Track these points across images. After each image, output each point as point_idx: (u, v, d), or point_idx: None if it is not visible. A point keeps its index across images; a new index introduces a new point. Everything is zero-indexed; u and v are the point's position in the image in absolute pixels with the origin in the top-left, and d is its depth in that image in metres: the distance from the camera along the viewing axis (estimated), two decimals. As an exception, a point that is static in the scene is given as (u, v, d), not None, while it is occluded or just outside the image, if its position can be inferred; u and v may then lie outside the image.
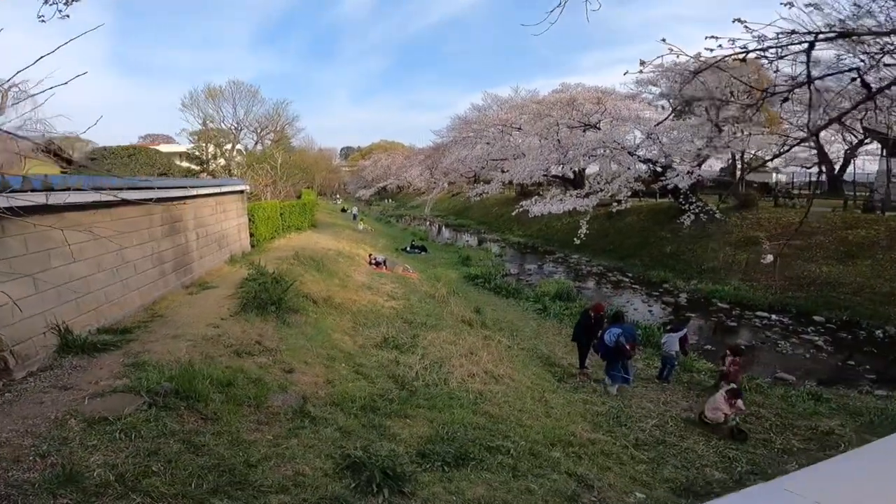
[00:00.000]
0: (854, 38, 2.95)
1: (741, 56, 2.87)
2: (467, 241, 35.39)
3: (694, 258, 19.80)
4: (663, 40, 3.16)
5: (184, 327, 7.04)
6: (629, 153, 21.42)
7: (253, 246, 15.04)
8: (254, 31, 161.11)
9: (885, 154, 22.42)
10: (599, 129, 23.38)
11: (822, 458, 6.52)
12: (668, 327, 10.64)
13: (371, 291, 13.26)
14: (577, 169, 31.05)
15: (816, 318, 14.05)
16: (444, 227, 44.69)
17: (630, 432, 7.09)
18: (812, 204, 14.30)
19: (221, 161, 30.24)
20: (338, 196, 70.18)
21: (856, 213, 18.77)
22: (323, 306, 10.16)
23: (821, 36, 2.64)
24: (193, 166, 26.77)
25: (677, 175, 19.35)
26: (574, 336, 9.87)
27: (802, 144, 31.37)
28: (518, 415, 6.89)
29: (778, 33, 2.70)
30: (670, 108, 23.44)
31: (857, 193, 23.59)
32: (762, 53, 2.91)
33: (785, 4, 2.70)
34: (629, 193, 20.99)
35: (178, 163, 28.44)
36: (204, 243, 10.76)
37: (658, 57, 3.15)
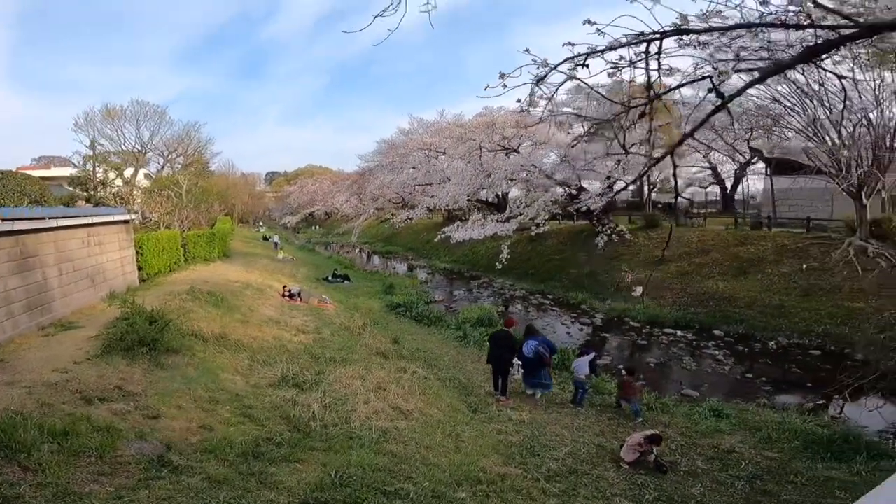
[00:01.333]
0: (705, 43, 2.87)
1: (580, 62, 2.67)
2: (395, 268, 34.86)
3: (609, 278, 20.55)
4: (526, 50, 2.92)
5: (24, 373, 6.35)
6: (546, 176, 22.12)
7: (143, 280, 13.59)
8: (176, 49, 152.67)
9: (769, 173, 24.81)
10: (519, 152, 24.00)
11: (723, 480, 6.66)
12: (578, 352, 10.71)
13: (278, 326, 12.40)
14: (499, 193, 31.75)
15: (716, 332, 14.83)
16: (372, 255, 43.89)
17: (543, 462, 6.87)
18: (689, 225, 15.24)
19: (116, 187, 27.65)
20: (261, 223, 67.15)
21: (745, 230, 20.44)
22: (214, 345, 9.32)
23: (660, 36, 2.49)
24: (80, 192, 24.24)
25: (590, 197, 20.16)
26: (489, 358, 9.77)
27: (698, 164, 34.49)
28: (425, 452, 6.52)
29: (627, 35, 2.54)
30: (583, 130, 24.58)
31: (747, 211, 25.79)
32: (615, 62, 2.75)
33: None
34: (547, 217, 21.55)
35: (68, 188, 25.66)
36: (70, 279, 9.44)
37: (517, 69, 2.89)
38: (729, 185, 34.37)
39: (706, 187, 37.00)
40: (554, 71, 2.79)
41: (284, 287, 17.32)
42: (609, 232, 20.44)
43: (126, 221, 12.84)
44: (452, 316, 17.63)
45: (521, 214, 21.47)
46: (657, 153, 25.28)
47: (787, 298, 14.99)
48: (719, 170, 34.20)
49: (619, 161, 21.72)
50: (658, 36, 2.55)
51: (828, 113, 16.81)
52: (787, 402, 10.08)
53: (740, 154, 29.02)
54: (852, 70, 15.70)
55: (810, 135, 17.35)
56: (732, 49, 3.16)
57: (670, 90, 3.22)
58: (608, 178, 22.93)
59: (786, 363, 12.37)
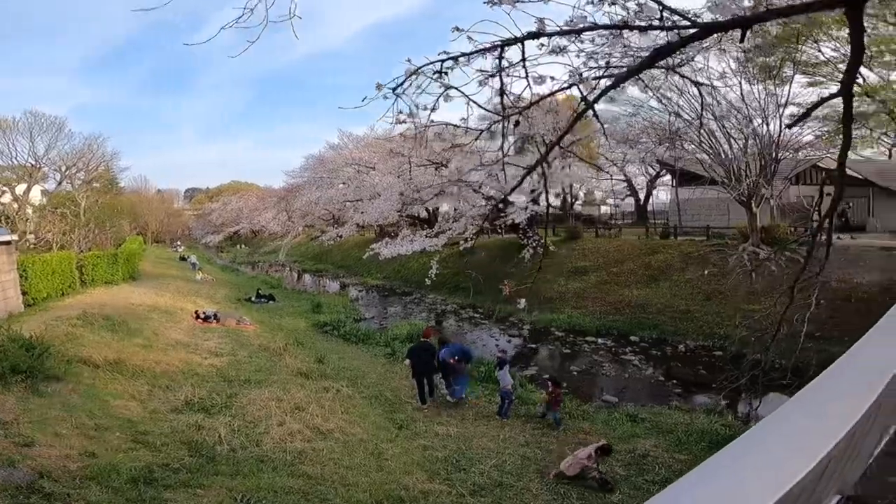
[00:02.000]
0: (579, 51, 2.98)
1: (439, 69, 2.68)
2: (326, 286, 33.92)
3: (535, 290, 21.13)
4: (408, 60, 2.87)
5: None
6: (474, 190, 22.53)
7: (29, 305, 12.15)
8: (88, 58, 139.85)
9: (674, 184, 26.92)
10: (447, 166, 24.31)
11: (640, 485, 6.84)
12: (496, 363, 10.91)
13: (187, 349, 11.59)
14: (430, 208, 31.94)
15: (633, 338, 15.65)
16: (303, 273, 42.40)
17: (468, 477, 6.86)
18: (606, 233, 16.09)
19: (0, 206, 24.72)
20: (179, 243, 62.86)
21: (655, 239, 21.93)
22: (107, 371, 8.65)
23: (516, 41, 2.55)
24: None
25: (515, 210, 20.76)
26: (414, 372, 9.94)
27: (615, 178, 36.74)
28: (344, 472, 6.36)
29: (496, 42, 2.56)
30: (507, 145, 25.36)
31: (657, 221, 27.67)
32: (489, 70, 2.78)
33: (487, 3, 2.55)
34: (475, 231, 21.89)
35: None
36: (-67, 306, 8.19)
37: (392, 79, 2.84)
38: (642, 196, 36.97)
39: (622, 199, 39.60)
40: (424, 78, 2.75)
41: (197, 310, 16.24)
42: (534, 245, 21.12)
43: (7, 243, 11.46)
44: (382, 333, 17.39)
45: (449, 229, 21.67)
46: (578, 166, 26.84)
47: (693, 303, 16.16)
48: (634, 182, 36.75)
49: (542, 174, 22.62)
50: (514, 41, 2.59)
51: (720, 126, 18.64)
52: (696, 402, 10.72)
53: (651, 167, 31.25)
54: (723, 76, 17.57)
55: (706, 147, 19.10)
56: (601, 56, 3.31)
57: (594, 104, 3.26)
58: (532, 191, 23.84)
59: (694, 365, 13.20)
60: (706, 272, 16.35)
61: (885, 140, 24.06)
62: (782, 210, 23.93)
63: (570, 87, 3.09)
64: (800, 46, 21.23)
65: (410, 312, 22.71)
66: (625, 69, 2.81)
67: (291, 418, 7.70)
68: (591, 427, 8.91)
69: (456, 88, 2.78)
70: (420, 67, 2.68)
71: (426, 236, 21.62)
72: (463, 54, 2.64)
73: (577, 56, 3.12)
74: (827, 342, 11.57)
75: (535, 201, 22.83)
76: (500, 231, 28.77)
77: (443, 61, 2.63)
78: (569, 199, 34.49)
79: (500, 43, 2.56)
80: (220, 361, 10.94)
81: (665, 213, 30.29)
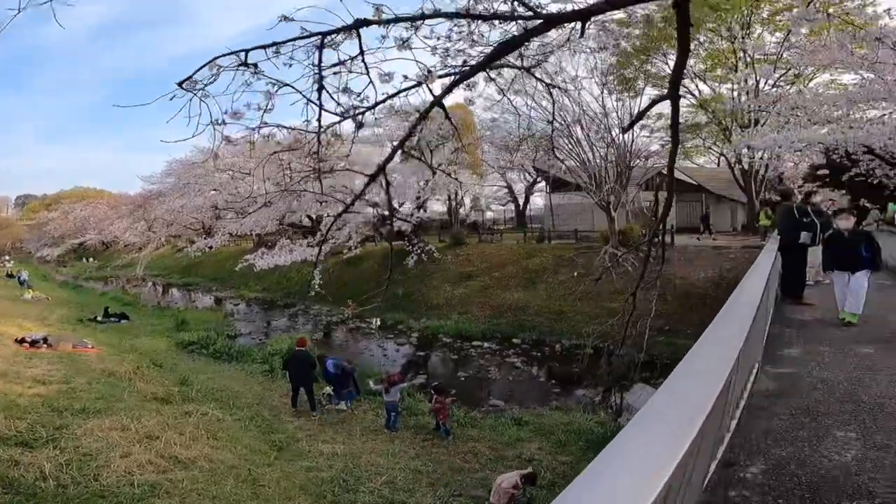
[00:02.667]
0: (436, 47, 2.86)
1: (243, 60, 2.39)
2: (197, 301, 30.72)
3: (422, 297, 21.23)
4: (233, 56, 2.49)
5: None
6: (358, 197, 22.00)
7: None
8: None
9: (548, 190, 28.99)
10: (331, 173, 23.42)
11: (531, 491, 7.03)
12: (378, 379, 10.74)
13: (4, 379, 9.61)
14: (312, 216, 30.59)
15: (515, 340, 16.31)
16: (169, 288, 37.91)
17: (357, 497, 6.57)
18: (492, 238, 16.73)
19: None
20: (7, 257, 52.62)
21: (532, 243, 23.37)
22: None
23: (349, 29, 2.36)
24: None
25: (401, 218, 20.68)
26: (292, 380, 10.14)
27: (497, 184, 38.56)
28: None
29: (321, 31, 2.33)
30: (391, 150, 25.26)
31: (533, 226, 29.47)
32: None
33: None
34: (360, 239, 21.42)
35: None
36: None
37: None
38: (521, 202, 39.31)
39: (504, 205, 41.72)
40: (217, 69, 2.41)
41: (24, 337, 13.57)
42: (419, 251, 21.22)
43: None
44: (261, 349, 16.23)
45: (332, 238, 20.89)
46: (463, 172, 27.59)
47: (566, 304, 17.39)
48: (514, 188, 38.91)
49: (426, 182, 22.95)
50: (340, 30, 2.40)
51: (586, 134, 20.44)
52: (574, 399, 11.43)
53: (528, 174, 33.31)
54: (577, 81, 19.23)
55: (573, 154, 20.82)
56: (454, 53, 3.24)
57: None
58: (417, 197, 24.05)
59: (569, 363, 14.01)
60: (576, 274, 17.72)
61: (715, 149, 28.38)
62: (635, 214, 27.01)
63: (418, 84, 2.94)
64: (650, 59, 24.11)
65: (294, 325, 21.49)
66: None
67: (141, 448, 6.82)
68: (479, 434, 8.99)
69: (286, 84, 2.49)
70: (216, 58, 2.34)
71: (308, 245, 20.60)
72: (274, 43, 2.35)
73: (434, 54, 3.01)
74: (674, 335, 13.14)
75: (419, 208, 23.02)
76: (380, 236, 28.52)
77: (247, 51, 2.32)
78: (454, 205, 35.46)
79: (322, 32, 2.32)
80: (48, 390, 9.28)
81: (541, 218, 32.43)
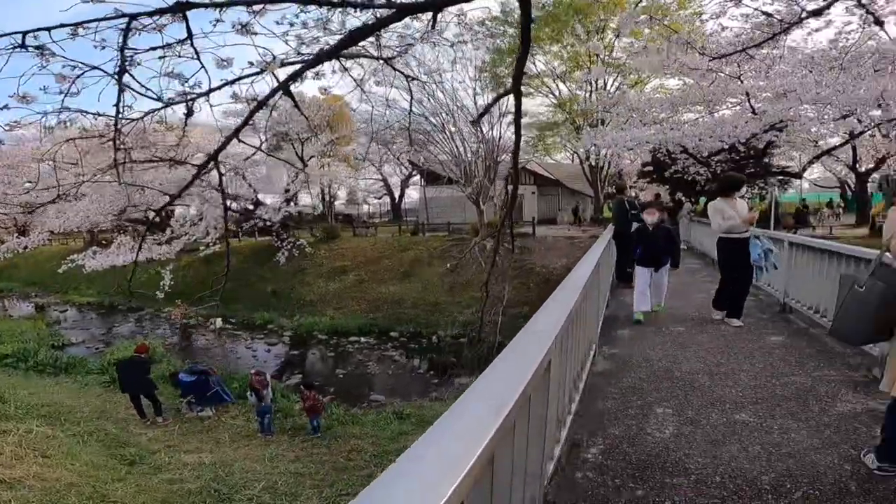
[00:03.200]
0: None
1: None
2: (10, 309, 25.62)
3: (294, 294, 20.20)
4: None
5: None
6: (216, 189, 20.01)
7: None
8: None
9: (423, 184, 29.44)
10: (184, 164, 20.89)
11: None
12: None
13: None
14: (161, 210, 27.17)
15: (393, 334, 16.36)
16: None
17: None
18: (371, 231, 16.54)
19: None
20: None
21: (407, 236, 23.57)
22: None
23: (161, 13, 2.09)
24: None
25: (266, 212, 19.31)
26: (123, 388, 9.63)
27: (373, 177, 38.17)
28: None
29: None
30: (259, 142, 23.48)
31: (408, 219, 29.75)
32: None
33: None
34: (218, 235, 19.53)
35: None
36: None
37: None
38: (397, 195, 39.35)
39: (380, 198, 41.40)
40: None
41: None
42: (289, 247, 20.07)
43: None
44: (98, 358, 14.28)
45: (186, 234, 18.76)
46: (335, 163, 26.69)
47: (441, 295, 17.86)
48: (389, 181, 38.77)
49: (297, 174, 21.73)
50: (152, 13, 2.12)
51: (458, 129, 21.10)
52: (452, 391, 11.57)
53: (404, 167, 33.47)
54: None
55: (447, 149, 21.42)
56: (310, 40, 3.07)
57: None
58: (287, 190, 22.62)
59: (446, 353, 14.43)
60: (449, 265, 18.25)
61: (570, 146, 31.21)
62: (503, 206, 28.71)
63: (261, 71, 2.70)
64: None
65: (142, 331, 19.01)
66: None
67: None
68: (361, 431, 8.86)
69: (94, 67, 2.10)
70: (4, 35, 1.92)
71: (155, 243, 18.20)
72: (77, 24, 1.99)
73: (285, 41, 2.78)
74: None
75: (289, 201, 21.74)
76: (254, 234, 26.55)
77: (49, 30, 1.93)
78: (328, 199, 34.26)
79: (131, 14, 2.00)
80: None
81: (416, 211, 32.84)
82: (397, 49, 5.78)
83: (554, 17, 23.94)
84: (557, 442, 2.29)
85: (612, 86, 25.54)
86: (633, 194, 9.12)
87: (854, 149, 20.45)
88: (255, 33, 2.72)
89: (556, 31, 24.43)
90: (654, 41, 12.49)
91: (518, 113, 5.53)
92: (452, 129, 21.75)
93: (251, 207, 21.23)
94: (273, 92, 2.74)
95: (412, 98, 6.66)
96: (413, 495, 0.80)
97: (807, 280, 5.16)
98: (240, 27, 2.50)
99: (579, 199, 31.69)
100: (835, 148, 18.06)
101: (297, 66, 2.94)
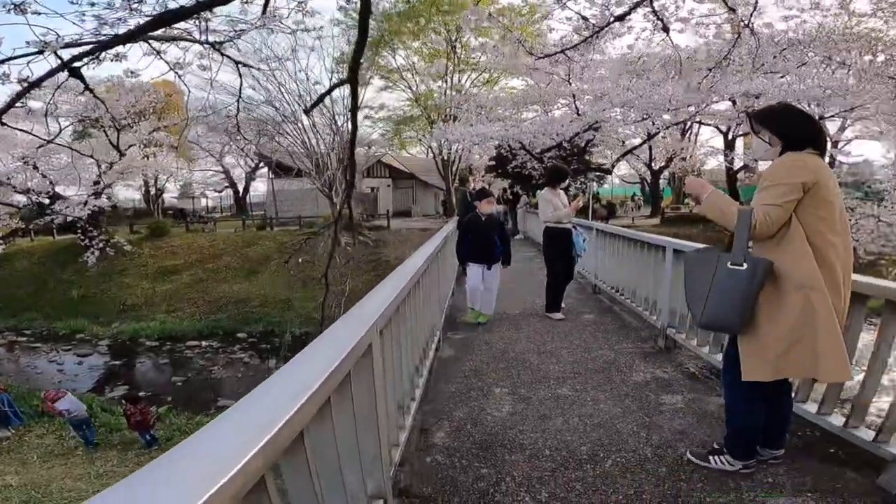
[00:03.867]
0: None
1: None
2: None
3: (110, 298, 17.29)
4: None
5: None
6: (1, 183, 16.08)
7: None
8: None
9: (271, 176, 27.45)
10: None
11: None
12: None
13: None
14: None
15: (240, 335, 15.01)
16: None
17: None
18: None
19: None
20: None
21: (253, 231, 21.81)
22: None
23: None
24: None
25: (68, 206, 16.06)
26: None
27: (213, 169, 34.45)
28: None
29: None
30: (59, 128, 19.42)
31: (255, 213, 27.60)
32: None
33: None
34: (4, 234, 15.76)
35: None
36: None
37: None
38: (241, 188, 36.01)
39: (221, 191, 37.48)
40: None
41: None
42: (101, 245, 17.07)
43: None
44: None
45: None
46: (162, 153, 23.44)
47: (292, 291, 16.88)
48: (232, 173, 35.27)
49: (111, 164, 18.56)
50: None
51: (312, 121, 20.08)
52: None
53: (250, 158, 30.76)
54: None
55: (299, 141, 20.27)
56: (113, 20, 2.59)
57: None
58: (96, 183, 19.10)
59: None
60: (301, 260, 17.33)
61: (424, 140, 31.85)
62: (359, 199, 28.24)
63: (40, 52, 2.20)
64: (380, 52, 25.27)
65: None
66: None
67: None
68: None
69: None
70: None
71: None
72: None
73: (83, 20, 2.29)
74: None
75: (98, 194, 18.38)
76: (53, 232, 21.96)
77: None
78: (154, 192, 29.98)
79: None
80: None
81: (264, 205, 30.58)
82: (229, 34, 5.24)
83: (416, 12, 24.14)
84: (402, 428, 2.26)
85: (466, 82, 26.76)
86: (474, 186, 9.49)
87: (650, 148, 24.52)
88: (37, 13, 2.23)
89: (418, 26, 24.70)
90: (502, 41, 13.32)
91: (354, 103, 5.39)
92: (305, 120, 20.73)
93: (46, 201, 17.46)
94: (51, 73, 2.25)
95: (241, 85, 6.08)
96: (204, 463, 0.75)
97: (611, 264, 5.87)
98: (12, 7, 2.00)
99: (433, 191, 32.67)
100: (636, 147, 21.31)
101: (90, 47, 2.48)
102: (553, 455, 2.39)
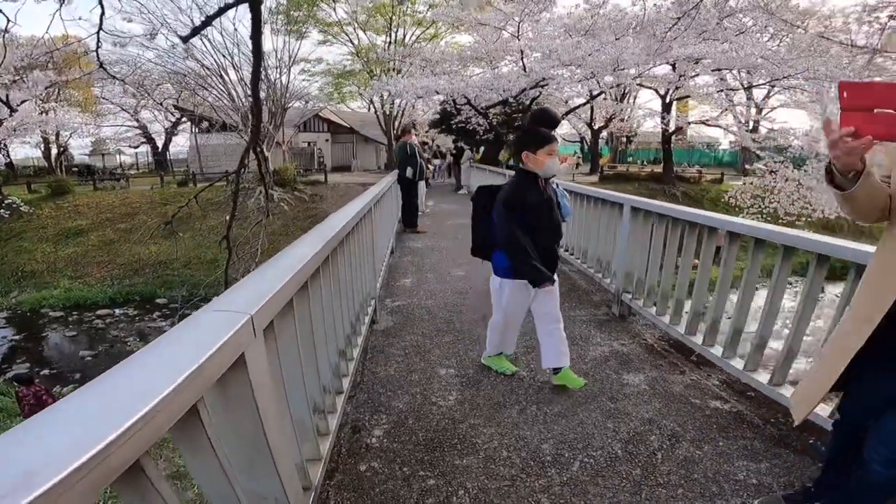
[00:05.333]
0: None
1: None
2: None
3: (6, 265, 15.22)
4: None
5: None
6: None
7: None
8: None
9: (194, 131, 25.10)
10: None
11: None
12: None
13: None
14: None
15: (159, 300, 13.82)
16: None
17: None
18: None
19: None
20: None
21: (173, 188, 19.81)
22: None
23: None
24: None
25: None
26: None
27: (126, 124, 30.97)
28: None
29: None
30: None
31: (178, 170, 25.32)
32: None
33: None
34: None
35: None
36: None
37: None
38: (160, 144, 32.68)
39: (136, 147, 33.95)
40: None
41: None
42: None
43: None
44: None
45: None
46: (63, 108, 20.68)
47: (220, 251, 15.55)
48: (149, 129, 31.83)
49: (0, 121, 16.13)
50: None
51: (240, 75, 18.31)
52: None
53: (170, 113, 28.03)
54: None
55: (225, 94, 18.43)
56: None
57: None
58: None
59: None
60: (227, 218, 15.99)
61: (365, 95, 30.26)
62: (296, 154, 26.48)
63: None
64: (319, 4, 23.62)
65: None
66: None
67: None
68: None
69: None
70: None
71: None
72: None
73: None
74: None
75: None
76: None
77: None
78: (56, 150, 26.66)
79: None
80: None
81: (187, 161, 28.06)
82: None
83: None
84: (324, 435, 1.77)
85: (410, 38, 25.44)
86: (416, 139, 8.55)
87: (592, 109, 24.58)
88: None
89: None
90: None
91: (257, 27, 4.55)
92: (233, 73, 18.88)
93: None
94: None
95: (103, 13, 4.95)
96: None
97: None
98: None
99: (374, 146, 31.31)
100: (579, 107, 21.23)
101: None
102: (511, 457, 1.98)
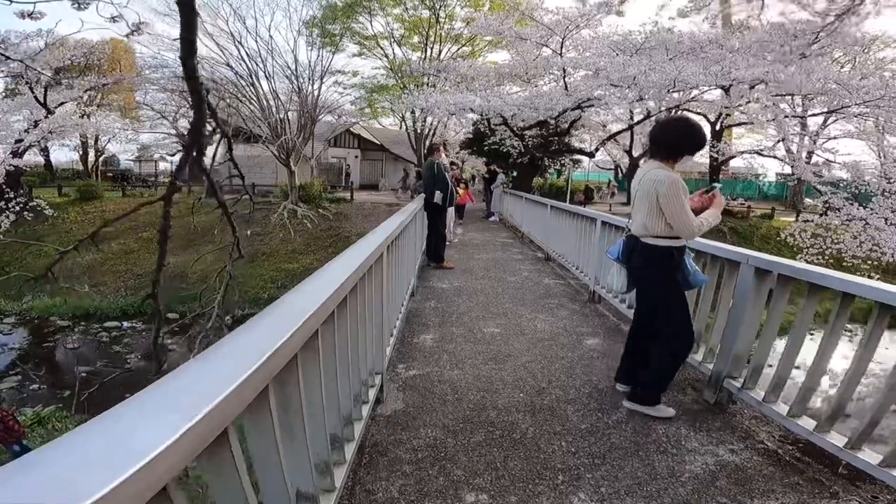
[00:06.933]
0: None
1: None
2: None
3: (24, 268, 15.02)
4: None
5: None
6: None
7: None
8: None
9: (228, 140, 25.15)
10: None
11: None
12: None
13: None
14: None
15: (171, 315, 13.20)
16: None
17: None
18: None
19: None
20: None
21: (200, 197, 19.51)
22: None
23: None
24: None
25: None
26: None
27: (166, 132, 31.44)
28: None
29: None
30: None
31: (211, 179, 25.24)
32: None
33: None
34: None
35: None
36: None
37: None
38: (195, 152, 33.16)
39: (173, 155, 34.64)
40: None
41: None
42: (17, 208, 14.81)
43: None
44: None
45: None
46: (103, 112, 20.99)
47: (237, 267, 15.00)
48: (186, 138, 32.43)
49: (36, 122, 16.28)
50: None
51: (272, 85, 18.21)
52: None
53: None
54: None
55: (257, 105, 18.30)
56: None
57: None
58: (18, 141, 16.62)
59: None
60: (249, 232, 15.49)
61: (398, 110, 29.94)
62: (324, 169, 26.19)
63: None
64: (356, 17, 23.75)
65: None
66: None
67: None
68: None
69: None
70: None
71: None
72: None
73: None
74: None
75: (16, 154, 15.97)
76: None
77: None
78: (93, 153, 27.27)
79: None
80: None
81: (217, 171, 28.12)
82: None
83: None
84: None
85: (445, 55, 25.18)
86: (446, 158, 7.64)
87: (632, 135, 23.46)
88: None
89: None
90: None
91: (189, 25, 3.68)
92: (266, 84, 18.84)
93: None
94: None
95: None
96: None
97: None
98: None
99: (403, 165, 30.87)
100: (619, 132, 20.21)
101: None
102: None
